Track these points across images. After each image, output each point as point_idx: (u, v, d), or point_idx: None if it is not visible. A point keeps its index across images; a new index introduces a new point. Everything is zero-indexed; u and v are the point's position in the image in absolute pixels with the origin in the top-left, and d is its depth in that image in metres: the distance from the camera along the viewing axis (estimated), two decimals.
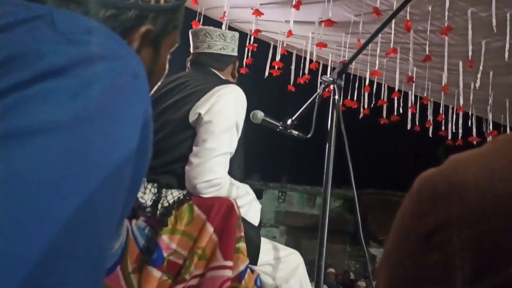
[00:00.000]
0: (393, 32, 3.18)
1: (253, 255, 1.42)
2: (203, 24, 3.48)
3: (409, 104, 4.17)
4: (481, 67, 3.19)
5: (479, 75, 3.23)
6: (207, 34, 1.59)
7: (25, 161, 0.30)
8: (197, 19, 3.49)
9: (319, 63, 4.03)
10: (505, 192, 0.36)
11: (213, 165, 1.33)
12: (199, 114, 1.37)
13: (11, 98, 0.31)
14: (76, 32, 0.37)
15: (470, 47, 2.98)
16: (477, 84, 3.26)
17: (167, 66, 0.62)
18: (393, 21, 2.99)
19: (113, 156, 0.35)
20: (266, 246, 1.53)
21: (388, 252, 0.46)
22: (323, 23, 3.40)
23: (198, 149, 1.35)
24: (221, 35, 1.60)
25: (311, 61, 3.87)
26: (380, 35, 3.08)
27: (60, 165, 0.31)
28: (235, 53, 1.63)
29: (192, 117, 1.38)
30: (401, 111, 4.10)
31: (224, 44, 1.59)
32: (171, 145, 1.40)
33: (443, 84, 3.52)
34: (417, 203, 0.42)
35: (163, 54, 0.59)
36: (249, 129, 1.85)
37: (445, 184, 0.40)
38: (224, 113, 1.39)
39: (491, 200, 0.36)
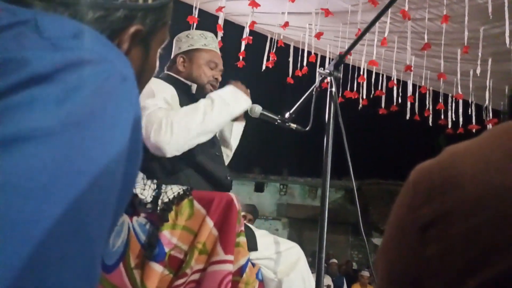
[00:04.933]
0: (388, 21, 3.15)
1: (252, 243, 1.43)
2: (198, 18, 3.44)
3: (408, 94, 4.14)
4: (479, 54, 3.16)
5: (478, 62, 3.21)
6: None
7: (13, 169, 0.30)
8: (193, 14, 3.44)
9: (317, 54, 4.00)
10: (502, 184, 0.36)
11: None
12: None
13: None
14: (61, 37, 0.37)
15: (466, 34, 2.95)
16: (478, 71, 3.24)
17: (157, 63, 0.62)
18: (390, 10, 2.96)
19: (102, 161, 0.34)
20: (267, 240, 1.53)
21: (386, 244, 0.46)
22: (320, 13, 3.37)
23: None
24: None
25: (309, 53, 3.84)
26: (377, 24, 3.06)
27: (48, 171, 0.31)
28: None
29: None
30: (399, 100, 4.08)
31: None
32: None
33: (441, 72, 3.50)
34: (413, 195, 0.42)
35: (153, 52, 0.59)
36: (249, 122, 1.86)
37: (442, 176, 0.40)
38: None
39: (488, 192, 0.36)
